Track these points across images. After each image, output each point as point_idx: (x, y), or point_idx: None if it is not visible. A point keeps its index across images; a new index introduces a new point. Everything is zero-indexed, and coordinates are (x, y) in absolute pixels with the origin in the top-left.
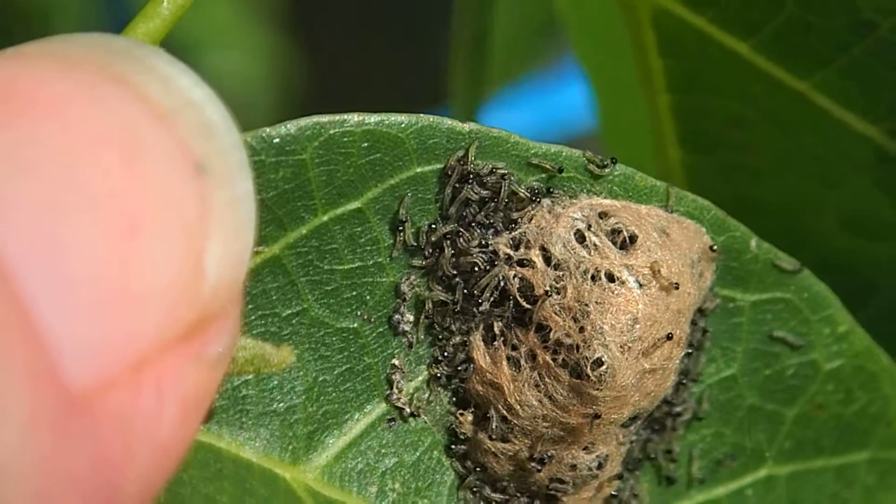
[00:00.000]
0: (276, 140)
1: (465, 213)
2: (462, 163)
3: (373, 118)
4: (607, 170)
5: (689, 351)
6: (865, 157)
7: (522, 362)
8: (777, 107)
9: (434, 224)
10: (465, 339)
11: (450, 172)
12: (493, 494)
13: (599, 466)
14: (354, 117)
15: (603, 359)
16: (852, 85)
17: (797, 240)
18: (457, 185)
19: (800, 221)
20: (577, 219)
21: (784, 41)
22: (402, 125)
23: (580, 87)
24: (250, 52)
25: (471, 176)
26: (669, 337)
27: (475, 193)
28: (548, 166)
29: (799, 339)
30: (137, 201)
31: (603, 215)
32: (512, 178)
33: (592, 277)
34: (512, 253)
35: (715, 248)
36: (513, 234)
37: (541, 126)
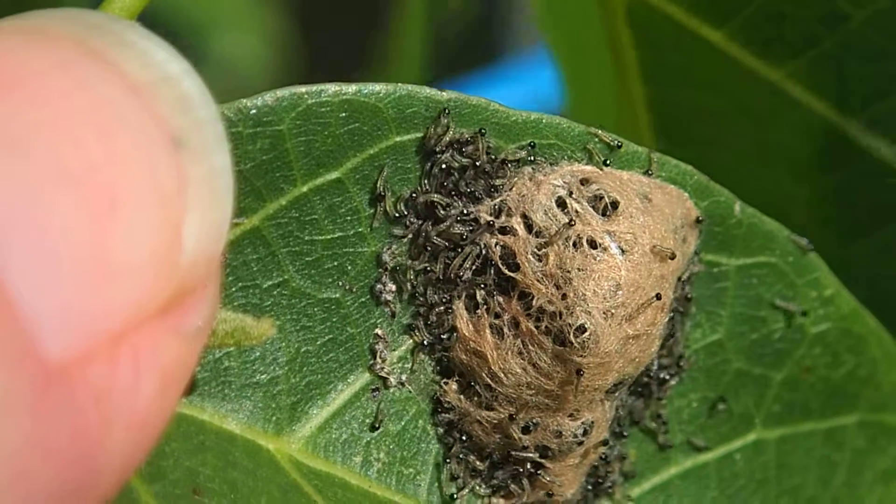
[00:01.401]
0: (254, 111)
1: (445, 182)
2: (441, 131)
3: (350, 88)
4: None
5: (673, 315)
6: (838, 151)
7: (505, 330)
8: (750, 98)
9: (414, 193)
10: (448, 307)
11: (429, 141)
12: (478, 462)
13: (585, 433)
14: (332, 87)
15: (586, 325)
16: (825, 76)
17: None
18: (436, 154)
19: (772, 217)
20: (558, 185)
21: (757, 30)
22: (381, 94)
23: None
24: (256, 33)
25: (450, 144)
26: (658, 297)
27: (455, 161)
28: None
29: (795, 305)
30: (115, 175)
31: (584, 182)
32: (491, 145)
33: (574, 244)
34: (493, 220)
35: (700, 219)
36: (494, 201)
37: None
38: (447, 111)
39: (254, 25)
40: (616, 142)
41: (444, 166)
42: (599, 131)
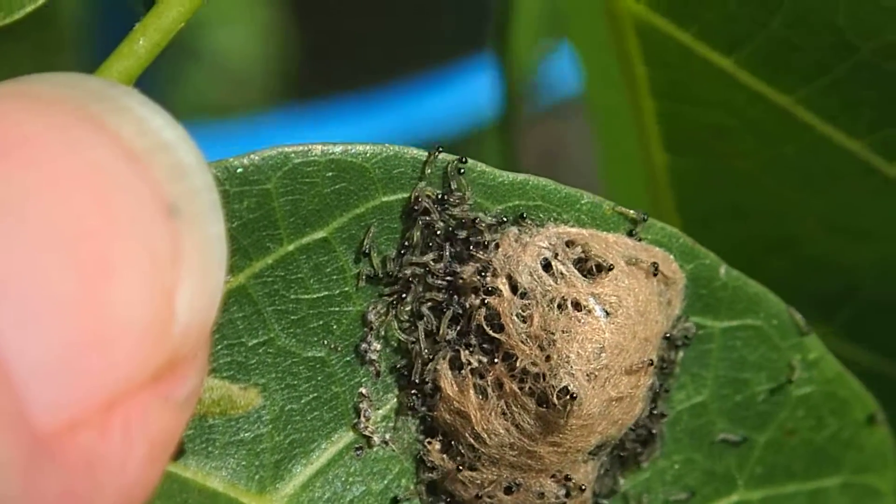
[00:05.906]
0: (240, 170)
1: (430, 242)
2: (428, 192)
3: (337, 148)
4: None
5: (658, 380)
6: (848, 170)
7: (489, 391)
8: (760, 118)
9: (401, 253)
10: (433, 367)
11: (416, 202)
12: None
13: (567, 494)
14: (319, 147)
15: (569, 387)
16: (835, 102)
17: (780, 243)
18: (423, 215)
19: (783, 226)
20: (543, 247)
21: (767, 58)
22: (367, 154)
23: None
24: (249, 27)
25: (437, 205)
26: (651, 363)
27: (441, 222)
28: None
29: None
30: (109, 243)
31: (570, 244)
32: (477, 206)
33: (559, 306)
34: (478, 281)
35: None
36: (479, 262)
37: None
38: (430, 166)
39: (246, 19)
40: (643, 216)
41: (429, 227)
42: (622, 209)
